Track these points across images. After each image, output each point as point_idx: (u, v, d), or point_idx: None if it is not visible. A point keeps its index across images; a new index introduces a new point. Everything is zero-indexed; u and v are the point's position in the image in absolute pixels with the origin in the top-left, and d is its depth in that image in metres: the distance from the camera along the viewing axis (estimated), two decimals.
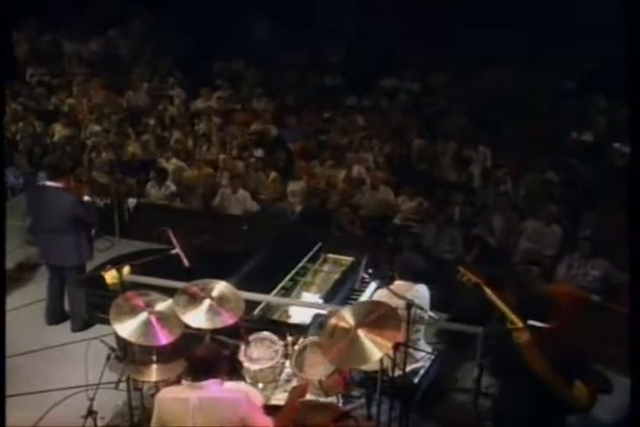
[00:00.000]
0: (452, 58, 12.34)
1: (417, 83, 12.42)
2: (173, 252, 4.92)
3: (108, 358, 4.88)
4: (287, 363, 5.02)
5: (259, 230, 8.29)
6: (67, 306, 6.77)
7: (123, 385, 4.97)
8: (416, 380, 5.21)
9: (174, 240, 4.94)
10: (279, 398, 4.78)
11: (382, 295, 4.87)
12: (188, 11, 13.91)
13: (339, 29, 13.46)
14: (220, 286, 4.81)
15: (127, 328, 4.59)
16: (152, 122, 11.20)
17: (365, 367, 5.00)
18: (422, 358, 5.36)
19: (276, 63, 13.45)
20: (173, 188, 9.31)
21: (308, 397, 4.69)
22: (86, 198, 6.34)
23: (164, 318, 4.67)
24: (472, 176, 9.40)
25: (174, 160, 9.88)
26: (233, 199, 9.03)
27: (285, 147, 10.50)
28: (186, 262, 4.93)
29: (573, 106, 11.24)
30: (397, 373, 4.73)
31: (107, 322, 5.78)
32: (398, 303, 4.60)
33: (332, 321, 4.40)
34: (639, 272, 3.62)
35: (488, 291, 4.33)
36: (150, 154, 10.25)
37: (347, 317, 4.38)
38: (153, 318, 4.64)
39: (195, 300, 4.71)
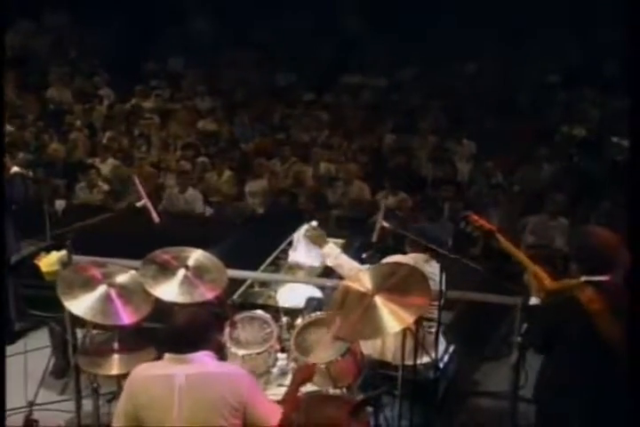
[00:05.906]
0: (425, 51, 12.27)
1: (384, 78, 12.28)
2: (139, 204, 4.38)
3: (55, 347, 4.26)
4: (280, 354, 4.51)
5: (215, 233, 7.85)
6: None
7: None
8: (433, 376, 4.72)
9: (140, 189, 4.41)
10: (273, 394, 4.21)
11: (401, 258, 4.43)
12: (115, 9, 13.56)
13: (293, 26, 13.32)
14: (197, 255, 4.34)
15: (81, 305, 4.03)
16: (78, 122, 10.73)
17: (377, 355, 4.54)
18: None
19: (220, 62, 13.18)
20: (106, 187, 8.79)
21: (312, 388, 4.15)
22: (14, 169, 5.77)
23: (127, 292, 4.15)
24: (456, 170, 9.20)
25: (110, 160, 9.41)
26: (181, 199, 8.55)
27: (238, 146, 10.15)
28: (155, 217, 4.41)
29: (561, 99, 11.23)
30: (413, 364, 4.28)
31: (41, 321, 5.23)
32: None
33: (345, 284, 3.93)
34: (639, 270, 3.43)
35: (502, 239, 4.00)
36: (79, 154, 9.74)
37: (364, 279, 3.92)
38: (113, 293, 4.12)
39: (166, 270, 4.21)
